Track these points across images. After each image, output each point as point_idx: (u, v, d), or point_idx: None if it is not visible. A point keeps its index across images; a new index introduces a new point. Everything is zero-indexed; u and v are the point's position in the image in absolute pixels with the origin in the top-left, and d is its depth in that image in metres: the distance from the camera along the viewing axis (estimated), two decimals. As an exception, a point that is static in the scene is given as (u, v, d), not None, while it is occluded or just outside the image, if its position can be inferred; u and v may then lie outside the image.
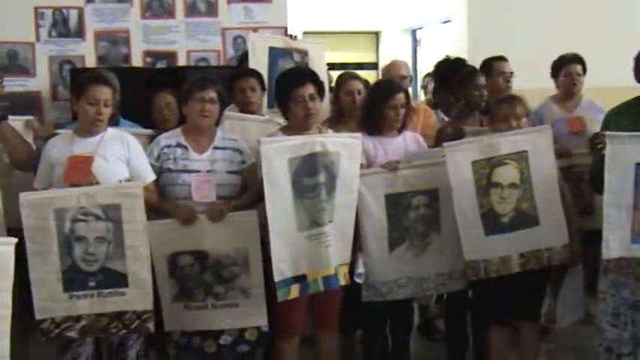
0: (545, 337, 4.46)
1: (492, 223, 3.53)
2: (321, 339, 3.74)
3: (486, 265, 3.53)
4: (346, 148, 3.42)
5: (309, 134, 3.45)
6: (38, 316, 3.19)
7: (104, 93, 3.35)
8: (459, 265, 3.71)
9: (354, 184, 3.47)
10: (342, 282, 3.46)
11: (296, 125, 3.52)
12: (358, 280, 3.63)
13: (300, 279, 3.34)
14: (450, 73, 4.59)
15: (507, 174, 3.53)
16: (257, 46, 4.66)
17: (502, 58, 4.63)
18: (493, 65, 4.59)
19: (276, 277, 3.26)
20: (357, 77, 4.33)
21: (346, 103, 4.19)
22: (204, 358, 3.57)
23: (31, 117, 3.96)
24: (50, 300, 3.19)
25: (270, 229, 3.23)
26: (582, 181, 4.12)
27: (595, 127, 3.89)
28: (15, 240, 2.86)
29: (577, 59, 4.64)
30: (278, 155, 3.25)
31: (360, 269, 3.63)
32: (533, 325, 3.75)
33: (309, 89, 3.47)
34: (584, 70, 4.68)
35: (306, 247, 3.33)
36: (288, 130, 3.55)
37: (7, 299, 2.78)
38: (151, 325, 3.29)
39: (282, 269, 3.27)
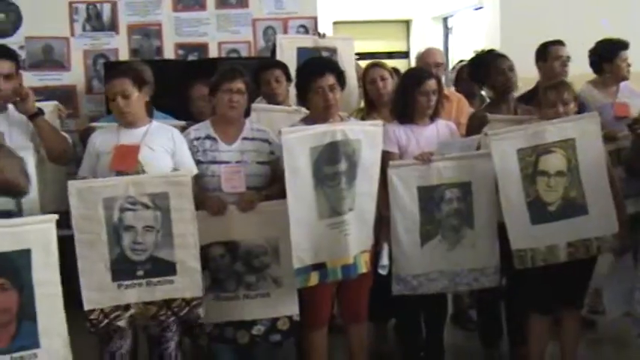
0: (590, 330, 4.43)
1: (539, 211, 3.50)
2: (351, 330, 3.74)
3: (533, 254, 3.49)
4: (367, 136, 3.40)
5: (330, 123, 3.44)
6: (87, 307, 3.17)
7: (118, 86, 3.35)
8: (493, 260, 3.69)
9: (375, 172, 3.45)
10: (363, 269, 3.44)
11: (316, 116, 3.51)
12: (382, 271, 3.61)
13: (319, 267, 3.34)
14: (479, 65, 4.54)
15: (554, 162, 3.50)
16: (285, 48, 4.70)
17: (559, 42, 4.53)
18: (549, 49, 4.51)
19: (295, 265, 3.27)
20: (379, 64, 4.29)
21: (372, 91, 4.18)
22: (237, 349, 3.60)
23: (56, 102, 3.94)
24: (98, 290, 3.17)
25: (290, 217, 3.23)
26: None
27: (635, 112, 3.82)
28: (55, 216, 2.93)
29: (628, 45, 4.55)
30: (299, 145, 3.25)
31: (384, 261, 3.61)
32: (575, 313, 3.71)
33: (329, 80, 3.46)
34: None
35: (326, 235, 3.32)
36: (308, 121, 3.54)
37: (56, 276, 2.86)
38: (201, 311, 3.29)
39: (301, 257, 3.28)
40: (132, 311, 3.23)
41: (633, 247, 3.63)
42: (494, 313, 4.20)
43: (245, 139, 3.56)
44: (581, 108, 3.96)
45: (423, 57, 4.79)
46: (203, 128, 3.59)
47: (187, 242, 3.23)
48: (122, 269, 3.19)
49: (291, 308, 3.47)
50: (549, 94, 3.62)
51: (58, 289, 2.87)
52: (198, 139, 3.55)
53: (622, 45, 4.54)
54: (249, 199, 3.41)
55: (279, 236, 3.39)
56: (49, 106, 3.70)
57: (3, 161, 2.80)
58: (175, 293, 3.24)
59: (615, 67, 4.52)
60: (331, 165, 3.30)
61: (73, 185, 3.15)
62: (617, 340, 4.41)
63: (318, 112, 3.49)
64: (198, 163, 3.50)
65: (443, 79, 4.72)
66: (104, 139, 3.41)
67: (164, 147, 3.39)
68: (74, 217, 3.10)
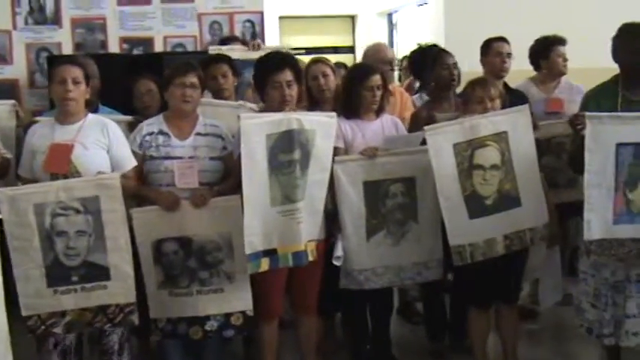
0: (533, 320, 4.54)
1: (476, 205, 3.51)
2: (301, 322, 3.78)
3: (472, 250, 3.50)
4: (321, 126, 3.43)
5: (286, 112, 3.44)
6: (24, 313, 3.17)
7: (71, 71, 3.32)
8: (436, 254, 3.75)
9: (327, 162, 3.48)
10: (310, 258, 3.45)
11: (271, 110, 3.49)
12: (337, 263, 3.64)
13: (270, 253, 3.35)
14: (421, 59, 4.57)
15: (489, 155, 3.52)
16: None
17: (501, 39, 4.56)
18: (491, 45, 4.54)
19: (247, 250, 3.27)
20: (321, 60, 4.24)
21: (314, 87, 4.10)
22: (189, 344, 3.59)
23: (14, 101, 3.87)
24: (35, 296, 3.18)
25: (244, 202, 3.24)
26: (563, 152, 4.15)
27: (575, 108, 3.89)
28: None
29: (565, 40, 4.64)
30: (256, 131, 3.25)
31: (339, 252, 3.64)
32: (511, 307, 3.78)
33: (287, 75, 3.47)
34: None
35: (278, 222, 3.34)
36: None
37: None
38: (134, 318, 3.30)
39: (253, 242, 3.28)
40: (68, 318, 3.23)
41: (563, 234, 3.73)
42: (440, 306, 4.27)
43: (198, 134, 3.54)
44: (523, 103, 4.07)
45: (373, 53, 4.64)
46: (156, 123, 3.56)
47: (119, 245, 3.24)
48: (57, 275, 3.20)
49: (244, 303, 3.48)
50: (477, 90, 3.64)
51: (0, 292, 2.84)
52: (151, 134, 3.52)
53: (557, 41, 4.63)
54: (202, 194, 3.40)
55: (232, 232, 3.39)
56: (6, 105, 3.64)
57: None
58: (109, 299, 3.25)
59: (551, 62, 4.62)
60: (286, 153, 3.31)
61: (3, 193, 3.14)
62: (558, 330, 4.52)
63: (274, 107, 3.49)
64: (151, 158, 3.49)
65: (396, 74, 4.73)
66: (40, 135, 3.37)
67: (98, 143, 3.36)
68: (6, 225, 3.09)
